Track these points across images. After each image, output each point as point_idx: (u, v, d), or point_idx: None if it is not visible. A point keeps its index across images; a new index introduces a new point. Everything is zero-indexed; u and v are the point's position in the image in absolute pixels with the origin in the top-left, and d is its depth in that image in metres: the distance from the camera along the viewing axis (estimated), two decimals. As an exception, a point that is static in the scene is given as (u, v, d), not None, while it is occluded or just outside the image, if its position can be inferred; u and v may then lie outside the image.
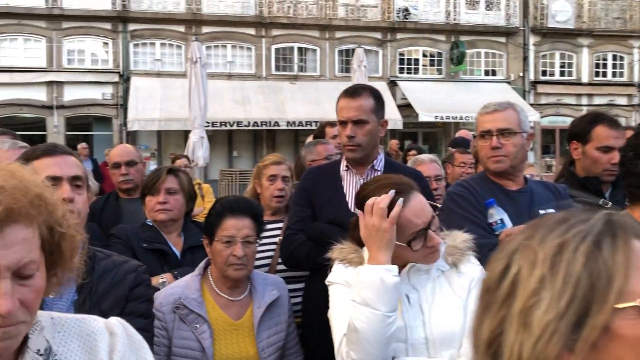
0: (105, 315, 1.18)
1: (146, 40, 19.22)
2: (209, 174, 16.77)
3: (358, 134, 2.58)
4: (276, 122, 18.28)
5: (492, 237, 2.32)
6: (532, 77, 22.11)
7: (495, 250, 2.31)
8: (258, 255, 2.57)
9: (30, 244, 0.94)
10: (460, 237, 1.94)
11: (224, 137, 19.42)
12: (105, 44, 19.00)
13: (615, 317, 0.70)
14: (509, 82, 21.58)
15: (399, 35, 20.95)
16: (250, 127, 18.38)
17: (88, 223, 2.66)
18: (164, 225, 2.79)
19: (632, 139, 2.21)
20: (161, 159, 18.52)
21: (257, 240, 2.35)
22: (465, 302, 1.82)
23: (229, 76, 19.32)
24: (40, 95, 18.29)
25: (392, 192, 1.76)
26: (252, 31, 19.84)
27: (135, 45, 19.18)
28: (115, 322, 1.14)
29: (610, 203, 2.73)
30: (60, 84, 18.37)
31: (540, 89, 22.10)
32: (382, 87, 17.84)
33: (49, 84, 18.26)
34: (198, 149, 9.70)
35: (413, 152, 6.51)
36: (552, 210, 2.41)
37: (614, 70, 22.99)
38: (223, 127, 17.93)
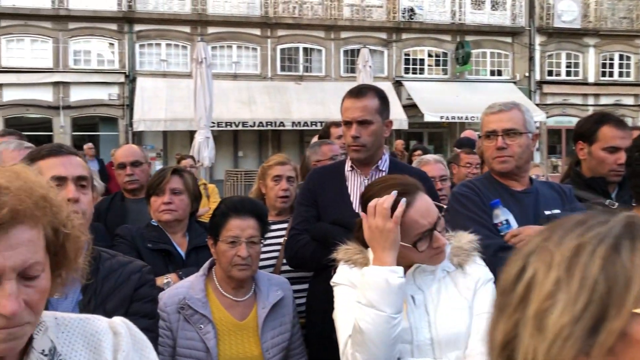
0: (109, 315, 1.18)
1: (152, 41, 19.28)
2: (214, 174, 16.78)
3: (363, 135, 2.57)
4: (281, 122, 18.30)
5: (497, 237, 2.31)
6: (538, 77, 22.04)
7: (501, 251, 2.30)
8: (263, 256, 2.57)
9: (35, 245, 0.94)
10: (466, 238, 1.93)
11: (230, 138, 19.45)
12: (111, 44, 19.08)
13: (633, 322, 0.68)
14: (514, 82, 21.53)
15: (405, 36, 20.92)
16: (255, 128, 18.41)
17: (94, 223, 2.67)
18: (168, 226, 2.79)
19: (638, 139, 2.20)
20: (167, 159, 18.57)
21: (262, 241, 2.35)
22: (471, 303, 1.81)
23: (235, 76, 19.35)
24: (46, 95, 18.38)
25: (394, 193, 1.75)
26: (257, 32, 19.87)
27: (141, 46, 19.25)
28: (119, 321, 1.14)
29: (617, 204, 2.71)
30: (66, 84, 18.46)
31: (547, 89, 22.02)
32: (387, 87, 17.83)
33: (56, 84, 18.35)
34: (203, 149, 9.71)
35: (418, 152, 6.49)
36: (557, 211, 2.40)
37: (621, 70, 22.89)
38: (228, 128, 17.97)
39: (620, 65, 22.88)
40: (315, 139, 4.67)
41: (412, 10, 20.62)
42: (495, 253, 2.19)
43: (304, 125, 18.17)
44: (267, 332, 2.30)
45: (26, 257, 0.92)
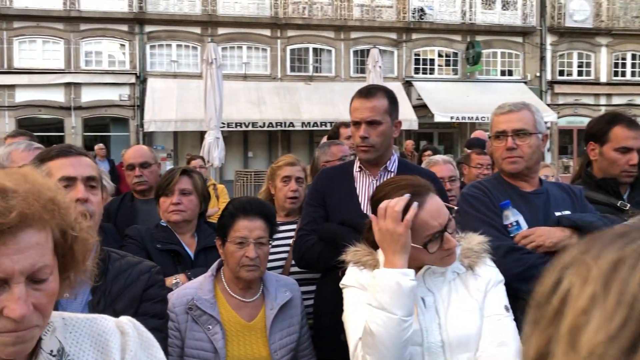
0: (119, 316, 1.18)
1: (162, 42, 19.36)
2: (224, 175, 16.85)
3: (371, 135, 2.56)
4: (291, 122, 18.30)
5: (507, 239, 2.29)
6: (549, 77, 21.89)
7: (511, 252, 2.28)
8: (272, 257, 2.57)
9: (43, 248, 0.94)
10: (476, 240, 1.91)
11: (239, 138, 19.49)
12: (122, 45, 19.18)
13: None
14: (525, 82, 21.39)
15: (415, 36, 20.86)
16: (265, 128, 18.42)
17: (105, 223, 2.68)
18: (177, 226, 2.80)
19: (651, 139, 2.17)
20: (177, 159, 18.64)
21: (270, 242, 2.35)
22: (482, 304, 1.80)
23: (245, 77, 19.39)
24: (58, 96, 18.51)
25: (407, 196, 1.73)
26: (267, 32, 19.90)
27: (152, 47, 19.34)
28: (126, 321, 1.14)
29: (629, 205, 2.69)
30: (78, 85, 18.58)
31: (558, 89, 21.87)
32: (397, 87, 17.80)
33: (67, 85, 18.48)
34: (213, 149, 9.74)
35: (428, 152, 6.47)
36: (567, 213, 2.38)
37: (633, 69, 22.66)
38: (238, 128, 18.00)
39: (633, 65, 22.66)
40: (324, 140, 4.66)
41: (422, 10, 20.55)
42: (506, 254, 2.18)
43: (313, 126, 18.17)
44: (275, 333, 2.29)
45: (35, 260, 0.92)
